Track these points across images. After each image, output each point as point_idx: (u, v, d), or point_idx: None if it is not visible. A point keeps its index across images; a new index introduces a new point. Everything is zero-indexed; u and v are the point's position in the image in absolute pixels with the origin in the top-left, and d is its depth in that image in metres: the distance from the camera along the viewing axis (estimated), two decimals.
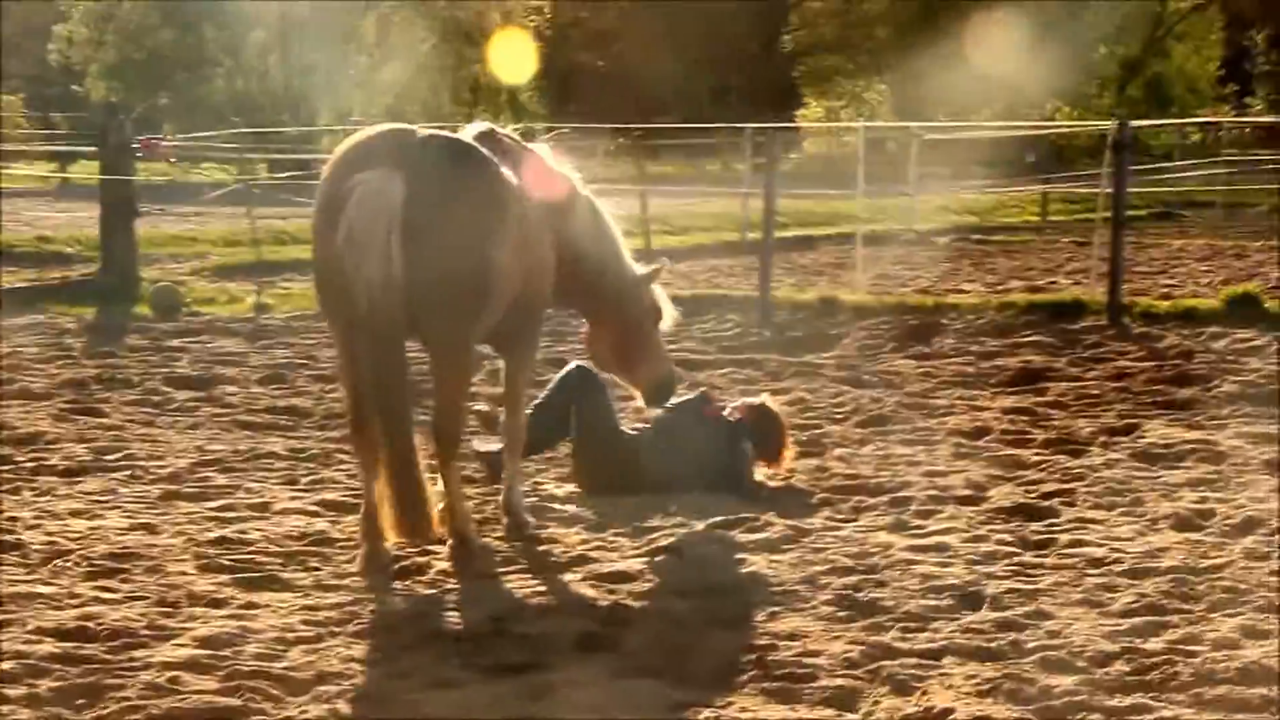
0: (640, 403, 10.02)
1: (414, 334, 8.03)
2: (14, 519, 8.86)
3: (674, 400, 10.06)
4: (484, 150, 8.14)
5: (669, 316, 9.87)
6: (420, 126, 8.19)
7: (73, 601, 7.33)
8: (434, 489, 8.05)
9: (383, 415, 7.71)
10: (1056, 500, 9.41)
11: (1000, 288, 22.26)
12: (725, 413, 10.04)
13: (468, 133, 8.53)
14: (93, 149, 22.85)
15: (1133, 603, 7.28)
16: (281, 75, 54.38)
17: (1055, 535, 8.59)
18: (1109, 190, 19.03)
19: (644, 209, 29.55)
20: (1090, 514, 9.08)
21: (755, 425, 9.95)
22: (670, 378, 10.00)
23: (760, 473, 9.95)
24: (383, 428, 7.72)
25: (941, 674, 6.36)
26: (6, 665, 6.35)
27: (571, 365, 10.20)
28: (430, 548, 8.36)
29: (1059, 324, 16.95)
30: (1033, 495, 9.54)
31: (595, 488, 9.72)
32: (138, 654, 6.60)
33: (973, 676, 6.28)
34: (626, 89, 63.61)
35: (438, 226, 7.71)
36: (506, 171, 8.17)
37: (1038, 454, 10.75)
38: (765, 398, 10.44)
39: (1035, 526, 8.81)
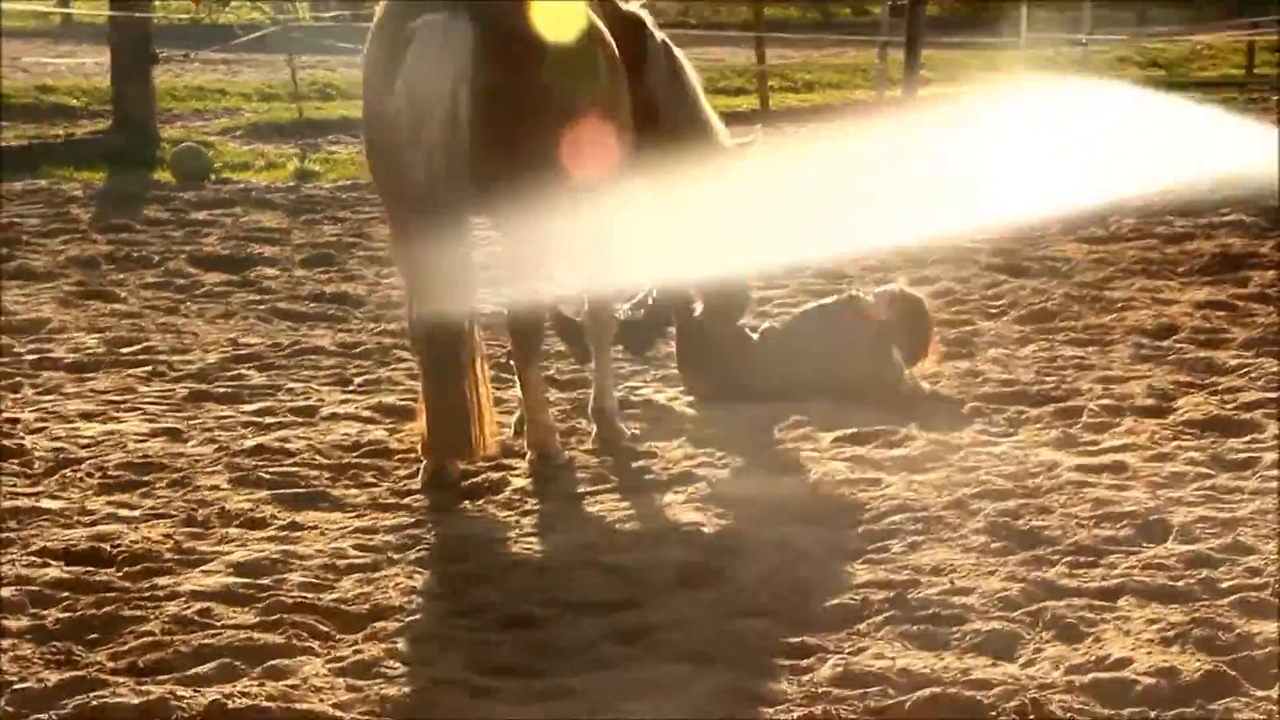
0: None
1: (482, 213, 8.06)
2: (14, 421, 8.99)
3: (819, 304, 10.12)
4: None
5: None
6: None
7: (84, 519, 7.44)
8: (490, 397, 8.00)
9: (434, 311, 7.67)
10: (1259, 412, 9.32)
11: None
12: (867, 313, 9.93)
13: None
14: None
15: None
16: None
17: (1257, 454, 8.52)
18: None
19: (760, 60, 29.43)
20: None
21: (897, 319, 9.88)
22: (745, 292, 9.91)
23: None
24: (432, 326, 7.68)
25: (1117, 617, 6.34)
26: (6, 592, 6.45)
27: None
28: (506, 462, 8.42)
29: (1265, 200, 16.73)
30: (1230, 406, 9.46)
31: (705, 391, 9.75)
32: (161, 581, 6.69)
33: (1155, 621, 6.26)
34: None
35: (515, 81, 7.71)
36: (592, 14, 8.15)
37: (1237, 356, 10.65)
38: (901, 284, 10.36)
39: (1233, 443, 8.74)
